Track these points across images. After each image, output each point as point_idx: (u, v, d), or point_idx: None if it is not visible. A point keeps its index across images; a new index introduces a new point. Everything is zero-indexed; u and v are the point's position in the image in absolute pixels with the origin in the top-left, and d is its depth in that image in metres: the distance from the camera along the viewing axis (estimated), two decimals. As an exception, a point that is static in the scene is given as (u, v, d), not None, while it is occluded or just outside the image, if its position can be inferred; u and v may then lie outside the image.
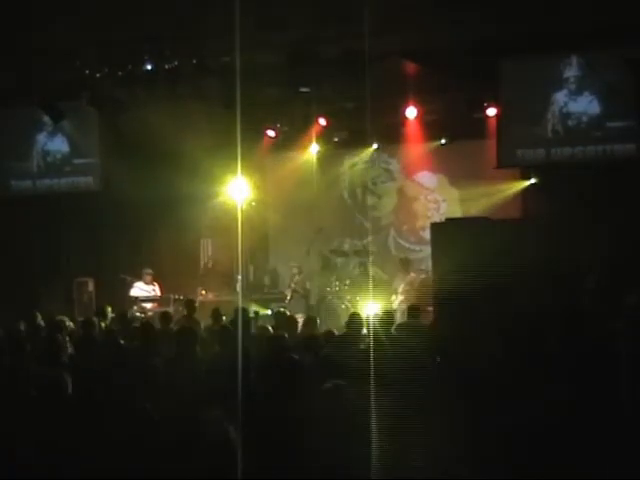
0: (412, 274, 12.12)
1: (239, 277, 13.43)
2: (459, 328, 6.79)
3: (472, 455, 4.30)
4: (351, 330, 7.41)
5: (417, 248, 13.61)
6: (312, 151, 14.22)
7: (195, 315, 9.42)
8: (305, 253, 12.58)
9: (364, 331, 7.30)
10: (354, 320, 7.58)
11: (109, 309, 9.40)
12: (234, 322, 7.90)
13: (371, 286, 12.29)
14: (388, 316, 7.63)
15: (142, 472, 3.98)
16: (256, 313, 9.58)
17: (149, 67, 10.58)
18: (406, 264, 12.30)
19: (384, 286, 12.76)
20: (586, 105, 11.21)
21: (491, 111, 12.14)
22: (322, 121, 13.39)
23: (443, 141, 13.02)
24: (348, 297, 12.13)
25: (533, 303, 7.41)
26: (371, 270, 12.73)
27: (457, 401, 4.64)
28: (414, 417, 4.47)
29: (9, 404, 4.96)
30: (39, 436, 4.40)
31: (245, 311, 8.07)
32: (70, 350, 6.82)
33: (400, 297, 11.76)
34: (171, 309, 11.08)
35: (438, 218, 12.95)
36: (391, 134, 13.46)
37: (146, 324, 7.73)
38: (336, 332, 7.59)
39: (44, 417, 4.57)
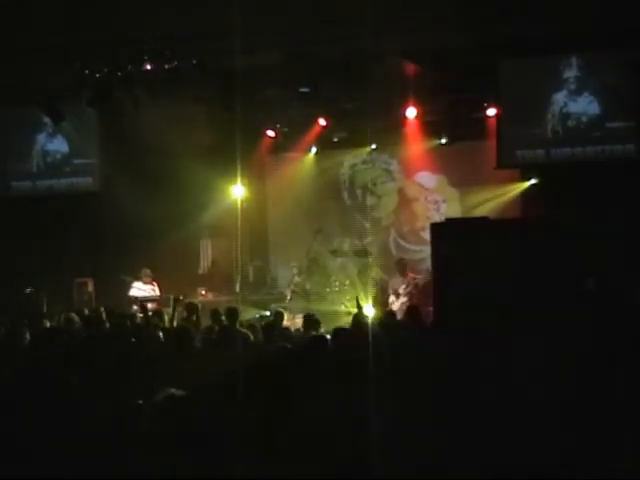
0: (411, 274, 12.11)
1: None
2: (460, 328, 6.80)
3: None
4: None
5: (417, 249, 13.61)
6: (312, 151, 14.24)
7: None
8: (305, 253, 12.56)
9: None
10: None
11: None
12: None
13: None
14: None
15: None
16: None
17: (149, 67, 10.57)
18: (401, 265, 12.29)
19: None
20: (586, 106, 11.22)
21: (491, 111, 12.15)
22: (322, 121, 13.39)
23: (443, 140, 13.02)
24: (348, 297, 12.12)
25: (533, 303, 7.42)
26: (372, 271, 12.74)
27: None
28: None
29: None
30: None
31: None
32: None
33: (403, 299, 11.74)
34: (170, 309, 11.06)
35: (438, 218, 12.96)
36: (391, 134, 13.47)
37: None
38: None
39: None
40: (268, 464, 3.87)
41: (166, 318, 8.84)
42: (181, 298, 10.07)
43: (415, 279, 12.01)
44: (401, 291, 11.90)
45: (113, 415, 4.10)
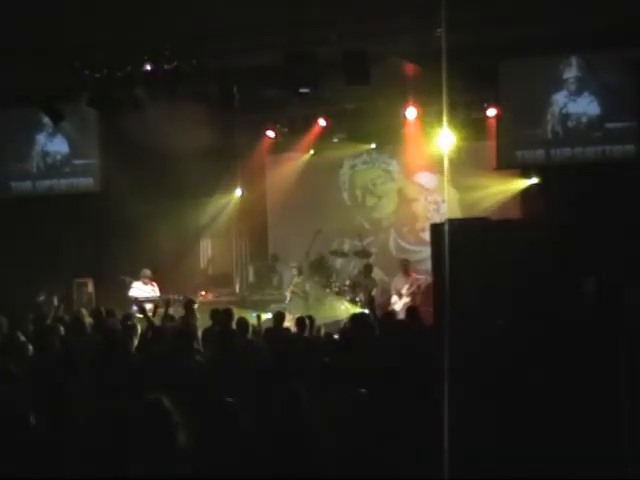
0: (414, 275, 12.09)
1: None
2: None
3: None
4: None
5: (417, 249, 13.61)
6: (312, 152, 14.24)
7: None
8: (305, 254, 12.56)
9: None
10: None
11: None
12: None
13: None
14: None
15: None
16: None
17: (149, 68, 10.56)
18: (406, 265, 12.28)
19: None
20: (586, 106, 11.21)
21: (491, 112, 12.15)
22: (322, 122, 13.40)
23: (443, 141, 13.01)
24: (348, 298, 12.13)
25: (534, 304, 7.41)
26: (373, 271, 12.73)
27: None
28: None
29: None
30: None
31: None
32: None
33: (405, 299, 11.72)
34: (171, 310, 11.06)
35: (438, 219, 12.95)
36: (391, 134, 13.47)
37: None
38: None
39: None
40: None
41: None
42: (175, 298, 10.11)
43: (418, 280, 11.98)
44: (404, 291, 11.89)
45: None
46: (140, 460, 3.72)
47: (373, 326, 7.49)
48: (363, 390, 4.12)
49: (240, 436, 4.28)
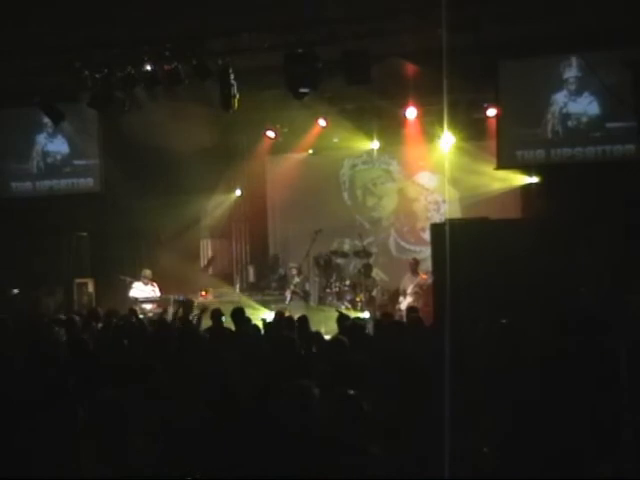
0: (422, 275, 12.07)
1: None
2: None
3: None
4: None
5: (417, 249, 13.62)
6: (312, 152, 14.25)
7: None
8: (305, 254, 12.57)
9: None
10: None
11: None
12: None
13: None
14: None
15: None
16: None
17: (149, 68, 10.57)
18: (415, 265, 12.26)
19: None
20: (586, 106, 11.20)
21: (491, 112, 12.15)
22: (322, 121, 13.40)
23: (443, 140, 13.03)
24: (348, 298, 12.13)
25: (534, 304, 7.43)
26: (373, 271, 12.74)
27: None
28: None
29: None
30: None
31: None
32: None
33: (409, 299, 11.71)
34: (171, 310, 11.07)
35: (438, 219, 12.97)
36: (391, 134, 13.47)
37: None
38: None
39: None
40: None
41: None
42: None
43: (424, 279, 11.95)
44: (409, 291, 11.90)
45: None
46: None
47: (360, 328, 7.46)
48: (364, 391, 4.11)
49: (243, 435, 4.28)
